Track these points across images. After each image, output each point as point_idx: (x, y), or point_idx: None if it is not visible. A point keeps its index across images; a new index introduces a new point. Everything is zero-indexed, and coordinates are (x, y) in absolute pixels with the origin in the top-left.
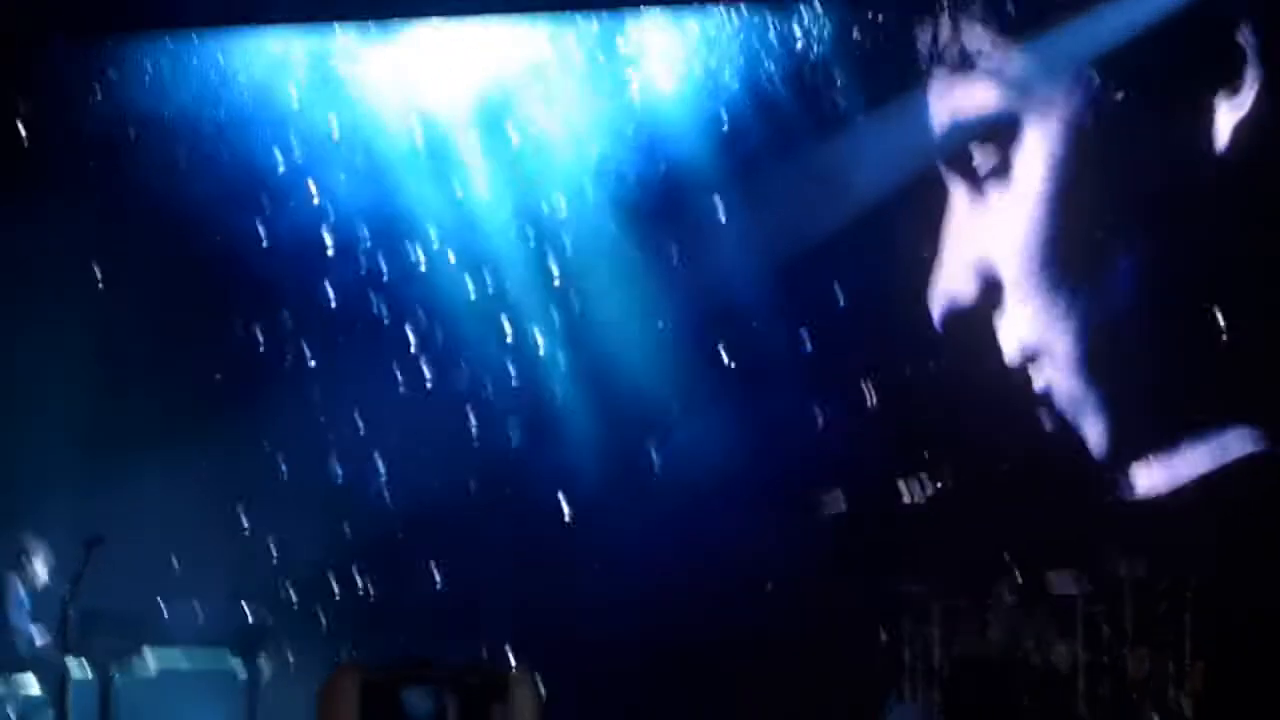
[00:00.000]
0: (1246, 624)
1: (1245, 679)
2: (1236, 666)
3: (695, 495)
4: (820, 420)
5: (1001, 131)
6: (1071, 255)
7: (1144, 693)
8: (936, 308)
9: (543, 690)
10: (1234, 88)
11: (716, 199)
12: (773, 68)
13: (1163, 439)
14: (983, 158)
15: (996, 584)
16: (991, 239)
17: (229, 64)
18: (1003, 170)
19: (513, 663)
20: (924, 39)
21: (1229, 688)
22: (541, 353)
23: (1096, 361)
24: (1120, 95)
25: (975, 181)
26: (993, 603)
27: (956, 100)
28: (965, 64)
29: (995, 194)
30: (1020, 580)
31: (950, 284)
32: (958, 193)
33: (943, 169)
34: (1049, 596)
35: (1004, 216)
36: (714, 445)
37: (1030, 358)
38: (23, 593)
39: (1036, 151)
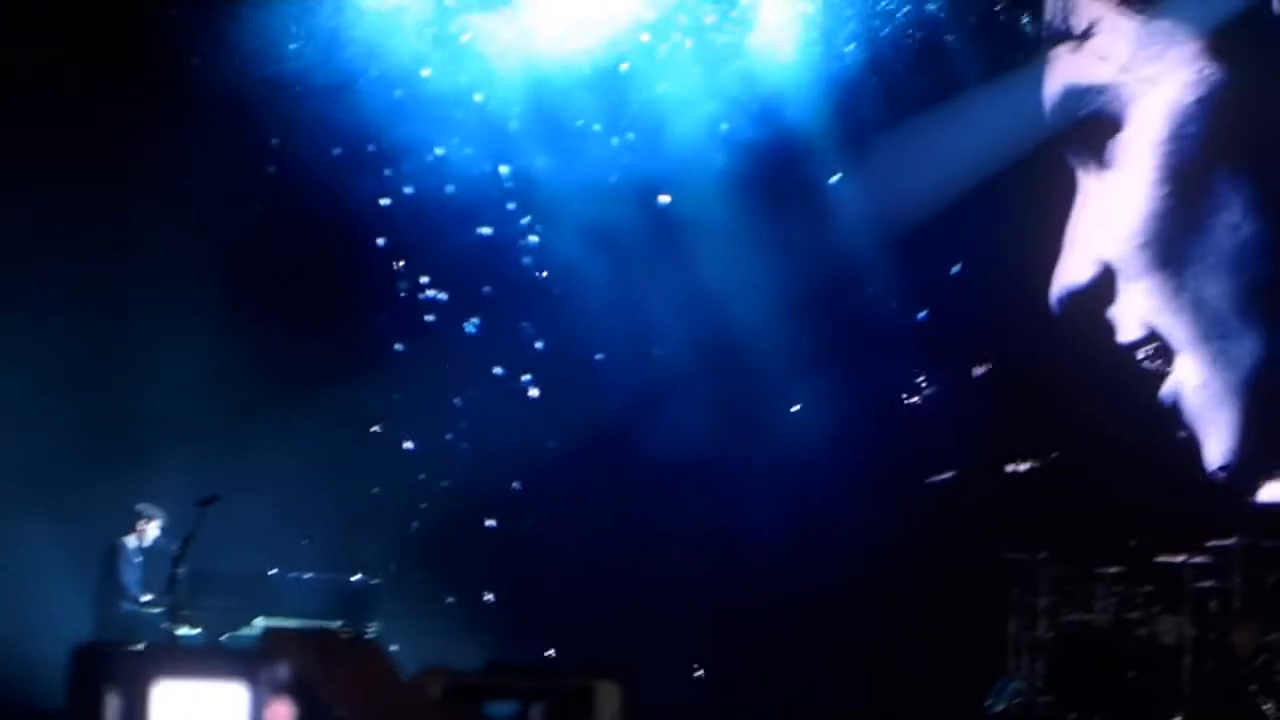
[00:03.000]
0: None
1: None
2: None
3: (805, 460)
4: (932, 388)
5: (1120, 104)
6: (1191, 231)
7: (1251, 669)
8: (1054, 284)
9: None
10: None
11: (832, 165)
12: (890, 34)
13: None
14: (1100, 132)
15: (1104, 556)
16: (1111, 215)
17: (344, 24)
18: (1121, 144)
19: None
20: (1045, 9)
21: None
22: (654, 315)
23: (1214, 343)
24: (1241, 64)
25: (1090, 158)
26: (1100, 574)
27: (1074, 73)
28: (1085, 36)
29: (1113, 167)
30: (1128, 553)
31: (1066, 261)
32: (1075, 168)
33: (1061, 145)
34: (1156, 569)
35: (1121, 191)
36: (824, 410)
37: (1146, 336)
38: (134, 553)
39: (1154, 125)
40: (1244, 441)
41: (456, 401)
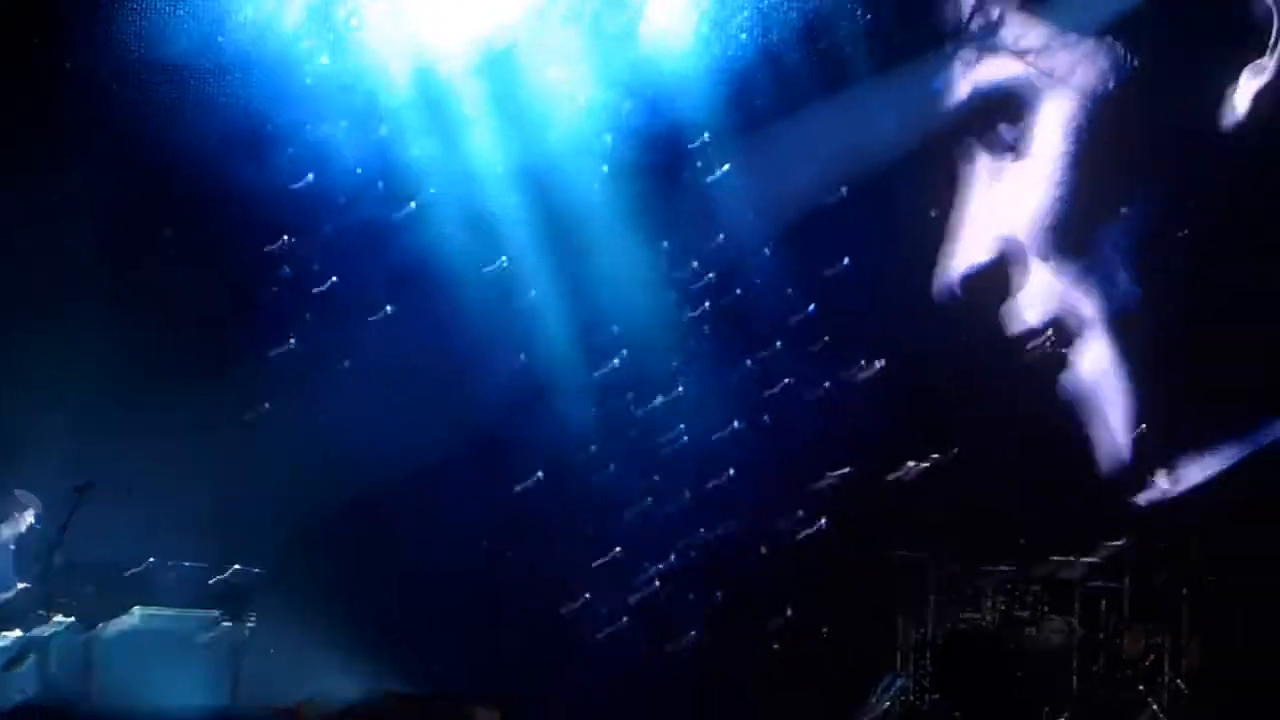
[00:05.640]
0: (1247, 596)
1: (1244, 654)
2: (1235, 641)
3: (694, 458)
4: (823, 385)
5: (1020, 100)
6: (1090, 224)
7: (1139, 671)
8: (949, 275)
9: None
10: (1258, 53)
11: (722, 156)
12: (785, 23)
13: (1178, 414)
14: (1000, 127)
15: (994, 554)
16: (1008, 208)
17: (228, 6)
18: (1021, 139)
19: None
20: (943, 3)
21: (1226, 664)
22: (538, 308)
23: (1110, 333)
24: (1141, 61)
25: (993, 150)
26: (989, 573)
27: (975, 68)
28: (985, 31)
29: (1013, 162)
30: (1018, 551)
31: (964, 252)
32: (975, 161)
33: (960, 138)
34: (1046, 568)
35: (1021, 185)
36: (713, 408)
37: (1041, 329)
38: (8, 541)
39: (1055, 120)
40: (1141, 431)
41: (333, 395)
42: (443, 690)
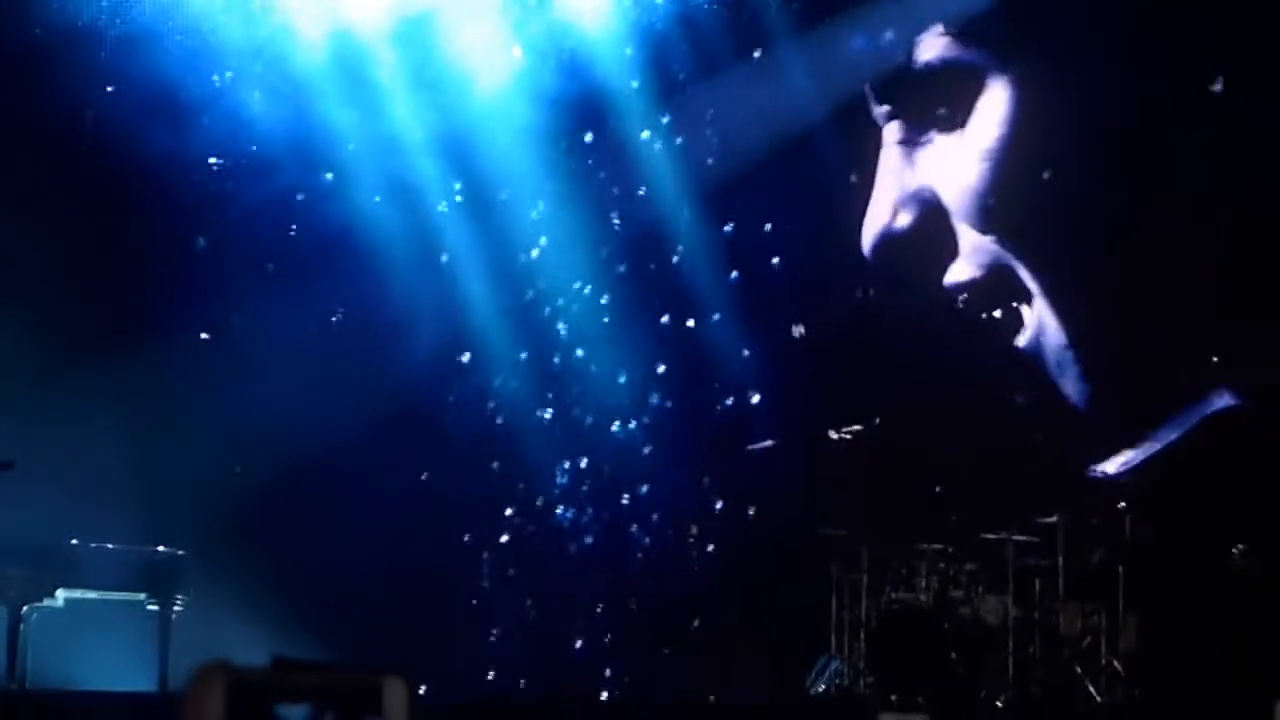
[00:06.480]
0: (1184, 576)
1: (1181, 636)
2: (1172, 622)
3: (613, 427)
4: (746, 351)
5: (951, 69)
6: (1018, 195)
7: (1075, 650)
8: (872, 242)
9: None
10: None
11: (641, 121)
12: None
13: (1115, 389)
14: (935, 100)
15: (927, 531)
16: (939, 177)
17: None
18: (949, 108)
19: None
20: None
21: (1164, 645)
22: (458, 276)
23: (1046, 306)
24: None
25: (919, 118)
26: (922, 551)
27: (919, 43)
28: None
29: (940, 130)
30: (952, 528)
31: (889, 217)
32: (898, 126)
33: (884, 105)
34: (980, 546)
35: (953, 156)
36: (633, 376)
37: (972, 300)
38: None
39: (990, 90)
40: (1090, 411)
41: (256, 368)
42: (351, 660)
